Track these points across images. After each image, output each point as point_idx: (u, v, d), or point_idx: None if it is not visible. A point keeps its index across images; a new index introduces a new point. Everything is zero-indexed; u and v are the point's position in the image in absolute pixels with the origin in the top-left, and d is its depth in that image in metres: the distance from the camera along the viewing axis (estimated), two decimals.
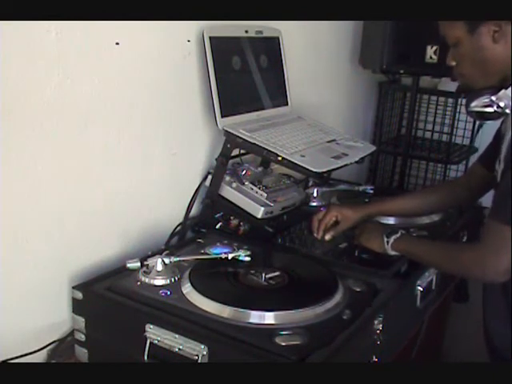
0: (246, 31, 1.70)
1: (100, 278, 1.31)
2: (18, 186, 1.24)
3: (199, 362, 1.10)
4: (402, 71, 2.37)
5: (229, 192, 1.62)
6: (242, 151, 1.68)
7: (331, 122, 2.01)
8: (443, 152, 2.60)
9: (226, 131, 1.59)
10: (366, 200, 1.87)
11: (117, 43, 1.38)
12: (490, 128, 1.59)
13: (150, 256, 1.32)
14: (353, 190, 1.99)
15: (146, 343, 1.15)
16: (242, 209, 1.60)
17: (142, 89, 1.48)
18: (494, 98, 1.31)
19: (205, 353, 1.10)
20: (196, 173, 1.70)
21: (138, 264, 1.32)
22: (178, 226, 1.65)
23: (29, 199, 1.26)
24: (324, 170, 1.50)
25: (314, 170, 1.48)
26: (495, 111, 1.32)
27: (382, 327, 1.22)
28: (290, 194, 1.72)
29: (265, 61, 1.77)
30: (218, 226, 1.65)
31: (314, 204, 1.85)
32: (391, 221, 1.69)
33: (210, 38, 1.55)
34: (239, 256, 1.34)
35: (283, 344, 1.08)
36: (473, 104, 1.35)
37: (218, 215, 1.67)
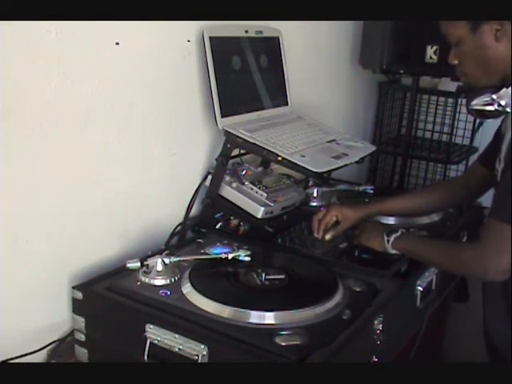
0: (246, 31, 1.70)
1: (100, 278, 1.31)
2: (18, 185, 1.24)
3: (199, 362, 1.10)
4: (402, 71, 2.36)
5: (229, 192, 1.62)
6: (242, 151, 1.68)
7: (331, 122, 2.01)
8: (443, 152, 2.60)
9: (226, 131, 1.59)
10: (366, 200, 1.87)
11: (117, 43, 1.38)
12: (490, 127, 1.59)
13: (150, 256, 1.32)
14: (353, 190, 1.99)
15: (145, 343, 1.15)
16: (242, 209, 1.60)
17: (142, 89, 1.48)
18: (494, 96, 1.31)
19: (205, 353, 1.10)
20: (196, 173, 1.70)
21: (138, 264, 1.32)
22: (177, 226, 1.65)
23: (29, 199, 1.26)
24: (324, 170, 1.50)
25: (314, 170, 1.48)
26: (496, 110, 1.32)
27: (382, 327, 1.22)
28: (289, 194, 1.72)
29: (265, 61, 1.77)
30: (217, 226, 1.65)
31: (314, 204, 1.85)
32: (391, 221, 1.69)
33: (210, 38, 1.55)
34: (239, 256, 1.34)
35: (283, 344, 1.08)
36: (474, 102, 1.35)
37: (218, 215, 1.66)
